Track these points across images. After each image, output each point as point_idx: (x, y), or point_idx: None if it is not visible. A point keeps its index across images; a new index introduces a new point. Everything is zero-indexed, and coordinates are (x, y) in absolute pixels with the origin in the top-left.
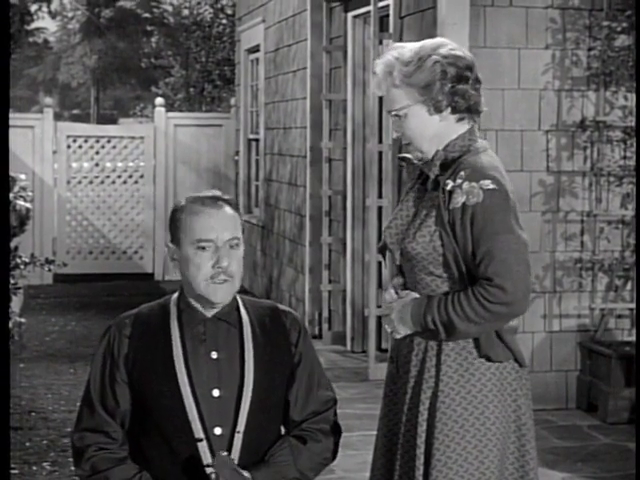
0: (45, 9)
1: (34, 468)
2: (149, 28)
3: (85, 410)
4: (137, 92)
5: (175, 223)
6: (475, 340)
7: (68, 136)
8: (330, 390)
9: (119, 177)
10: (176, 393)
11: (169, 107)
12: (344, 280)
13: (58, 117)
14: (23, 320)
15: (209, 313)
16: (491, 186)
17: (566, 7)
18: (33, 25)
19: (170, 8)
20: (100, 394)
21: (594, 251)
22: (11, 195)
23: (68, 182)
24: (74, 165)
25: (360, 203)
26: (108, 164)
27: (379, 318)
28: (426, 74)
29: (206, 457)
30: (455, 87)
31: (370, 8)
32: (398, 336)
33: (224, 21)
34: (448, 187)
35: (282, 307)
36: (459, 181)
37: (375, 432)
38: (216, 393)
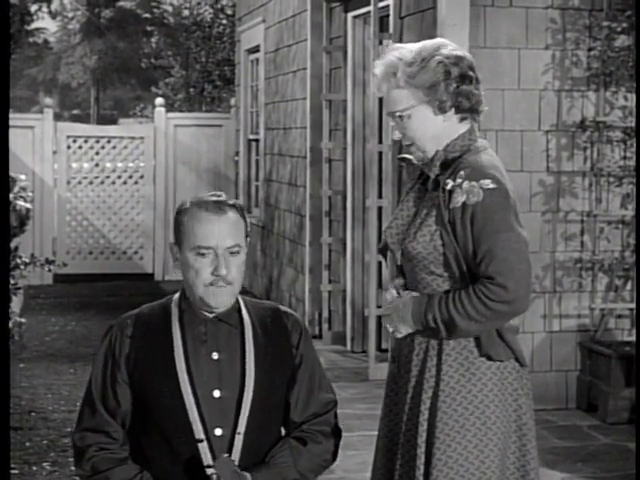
0: (45, 9)
1: (34, 468)
2: (149, 28)
3: (86, 410)
4: (137, 92)
5: (178, 225)
6: (476, 339)
7: (68, 136)
8: (331, 392)
9: (119, 177)
10: (177, 393)
11: (169, 107)
12: (344, 280)
13: (58, 117)
14: (23, 320)
15: (210, 314)
16: (491, 185)
17: (566, 7)
18: (33, 25)
19: (170, 8)
20: (101, 394)
21: (594, 251)
22: (11, 195)
23: (68, 182)
24: (74, 165)
25: (360, 203)
26: (108, 164)
27: (379, 318)
28: (430, 75)
29: (206, 458)
30: (460, 87)
31: (370, 8)
32: (399, 335)
33: (224, 21)
34: (448, 186)
35: (284, 308)
36: (459, 180)
37: (375, 432)
38: (217, 394)
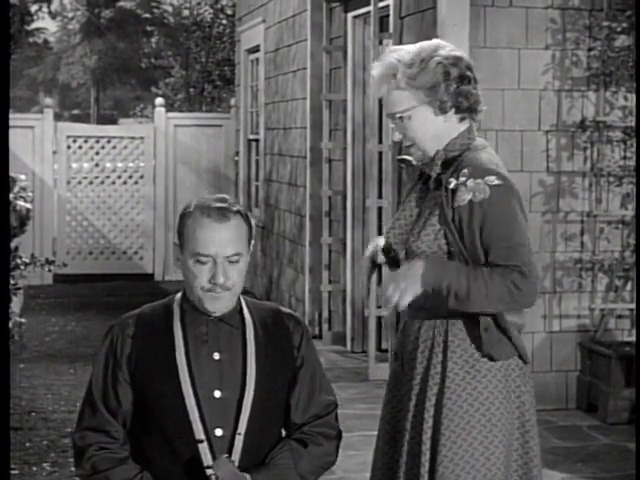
0: (45, 9)
1: (34, 468)
2: (149, 28)
3: (87, 409)
4: (137, 92)
5: (181, 227)
6: (477, 339)
7: (68, 136)
8: (331, 394)
9: (119, 177)
10: (178, 393)
11: (169, 107)
12: (344, 280)
13: (58, 117)
14: (23, 320)
15: (211, 315)
16: (496, 182)
17: (566, 7)
18: (33, 25)
19: (170, 8)
20: (102, 394)
21: (594, 251)
22: (11, 195)
23: (68, 182)
24: (74, 165)
25: (360, 203)
26: (108, 164)
27: (379, 318)
28: (430, 75)
29: (207, 458)
30: (459, 87)
31: (370, 8)
32: (403, 303)
33: (224, 21)
34: (451, 185)
35: (285, 310)
36: (462, 179)
37: (375, 432)
38: (217, 394)
